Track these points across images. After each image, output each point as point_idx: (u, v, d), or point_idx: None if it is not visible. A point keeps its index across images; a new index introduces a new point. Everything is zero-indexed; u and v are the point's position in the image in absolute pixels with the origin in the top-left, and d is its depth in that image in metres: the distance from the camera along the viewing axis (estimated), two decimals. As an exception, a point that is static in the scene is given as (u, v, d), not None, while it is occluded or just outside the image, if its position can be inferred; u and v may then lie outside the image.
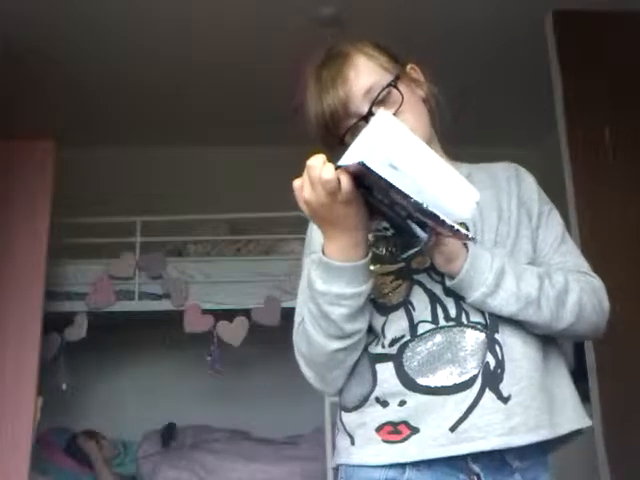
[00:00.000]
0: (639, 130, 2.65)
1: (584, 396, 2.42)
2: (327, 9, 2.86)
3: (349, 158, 0.79)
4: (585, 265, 1.07)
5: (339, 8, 2.84)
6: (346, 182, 0.81)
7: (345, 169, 0.81)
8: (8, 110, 3.19)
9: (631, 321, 2.38)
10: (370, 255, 0.92)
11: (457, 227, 0.80)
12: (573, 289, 0.98)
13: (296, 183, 0.86)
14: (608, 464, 2.35)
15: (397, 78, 1.04)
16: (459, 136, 1.16)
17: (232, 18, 2.93)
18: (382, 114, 0.81)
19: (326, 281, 0.91)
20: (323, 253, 0.91)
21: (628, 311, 2.34)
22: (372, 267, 0.95)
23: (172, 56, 3.23)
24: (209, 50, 3.19)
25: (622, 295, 2.38)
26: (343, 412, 1.02)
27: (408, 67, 1.11)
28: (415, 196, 0.78)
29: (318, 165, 0.82)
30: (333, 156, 1.06)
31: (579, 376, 2.60)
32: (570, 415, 0.98)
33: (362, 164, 0.76)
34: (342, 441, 1.01)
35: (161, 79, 3.45)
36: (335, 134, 1.04)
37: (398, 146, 0.78)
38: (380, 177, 0.76)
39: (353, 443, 0.98)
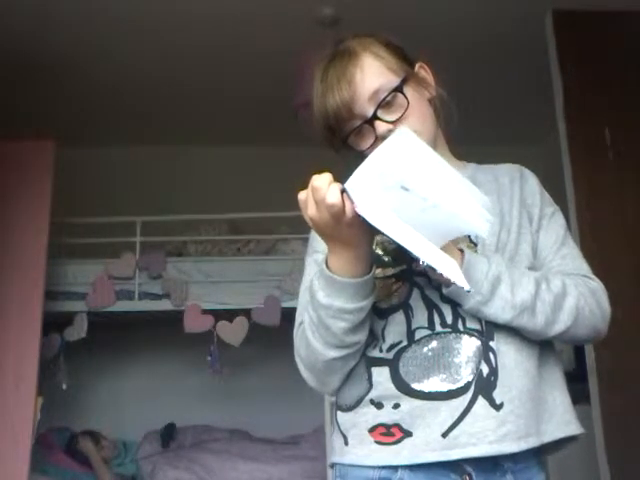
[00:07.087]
0: (639, 130, 2.65)
1: (584, 397, 2.43)
2: (327, 9, 2.86)
3: (357, 180, 0.77)
4: (585, 268, 1.05)
5: (339, 8, 2.84)
6: (350, 209, 0.80)
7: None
8: (8, 110, 3.19)
9: (630, 323, 2.37)
10: (374, 269, 0.92)
11: (453, 280, 0.81)
12: (570, 292, 0.97)
13: (301, 196, 0.85)
14: (608, 465, 2.35)
15: (404, 81, 1.01)
16: (460, 135, 1.15)
17: (232, 18, 2.93)
18: (401, 130, 0.79)
19: (328, 294, 0.90)
20: (327, 265, 0.90)
21: (628, 313, 2.34)
22: (375, 271, 0.94)
23: (172, 56, 3.23)
24: (208, 50, 3.19)
25: (621, 296, 2.39)
26: (338, 412, 1.02)
27: (417, 66, 1.08)
28: (428, 213, 0.78)
29: (323, 187, 0.80)
30: (337, 156, 1.06)
31: (579, 377, 2.60)
32: (558, 423, 0.97)
33: (358, 214, 0.77)
34: (337, 440, 1.01)
35: (161, 79, 3.45)
36: (338, 135, 1.03)
37: (411, 166, 0.77)
38: (375, 227, 0.77)
39: (346, 443, 0.98)
